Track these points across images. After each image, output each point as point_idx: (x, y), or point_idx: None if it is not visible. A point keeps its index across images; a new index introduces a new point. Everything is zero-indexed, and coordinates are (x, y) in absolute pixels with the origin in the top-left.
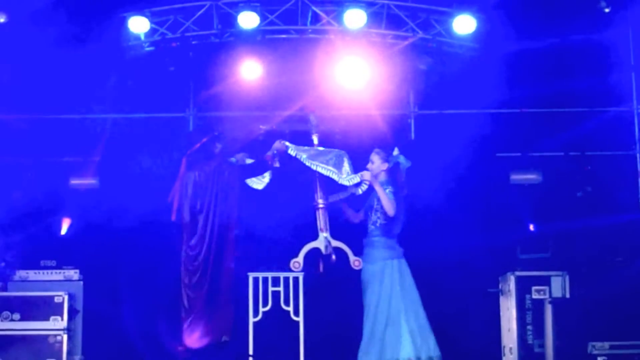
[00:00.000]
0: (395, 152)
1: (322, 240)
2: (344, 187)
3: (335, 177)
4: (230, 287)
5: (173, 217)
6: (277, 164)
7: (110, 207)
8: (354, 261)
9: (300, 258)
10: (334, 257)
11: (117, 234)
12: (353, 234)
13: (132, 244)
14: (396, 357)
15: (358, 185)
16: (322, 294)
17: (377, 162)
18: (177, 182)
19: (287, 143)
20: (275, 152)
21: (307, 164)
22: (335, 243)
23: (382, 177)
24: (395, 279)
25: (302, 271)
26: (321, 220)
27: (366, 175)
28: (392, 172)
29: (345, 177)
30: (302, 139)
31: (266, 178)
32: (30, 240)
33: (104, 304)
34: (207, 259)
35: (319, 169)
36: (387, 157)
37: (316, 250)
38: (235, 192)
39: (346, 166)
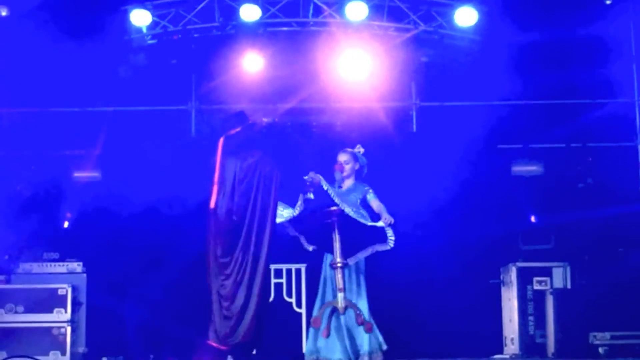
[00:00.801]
0: (360, 149)
1: (340, 301)
2: (364, 243)
3: (362, 220)
4: (265, 289)
5: (212, 205)
6: (311, 195)
7: (113, 200)
8: (360, 322)
9: (319, 316)
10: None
11: (120, 226)
12: None
13: (135, 236)
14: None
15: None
16: None
17: (351, 163)
18: (217, 166)
19: (319, 177)
20: (310, 181)
21: (336, 201)
22: (348, 303)
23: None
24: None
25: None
26: (339, 279)
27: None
28: (360, 172)
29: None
30: (304, 131)
31: (297, 210)
32: (33, 233)
33: (108, 296)
34: (244, 258)
35: (346, 210)
36: (356, 156)
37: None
38: (276, 188)
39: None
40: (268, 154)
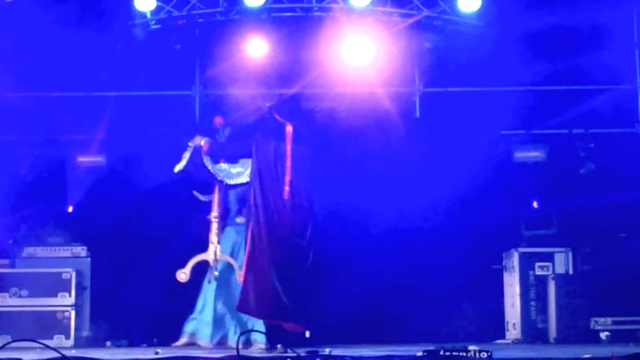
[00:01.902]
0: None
1: (211, 253)
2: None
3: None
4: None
5: (286, 196)
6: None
7: (117, 185)
8: (239, 277)
9: (187, 270)
10: (215, 273)
11: (124, 211)
12: None
13: (139, 220)
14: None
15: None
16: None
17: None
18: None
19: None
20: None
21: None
22: (223, 257)
23: None
24: None
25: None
26: (213, 232)
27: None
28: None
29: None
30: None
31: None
32: (38, 218)
33: (112, 280)
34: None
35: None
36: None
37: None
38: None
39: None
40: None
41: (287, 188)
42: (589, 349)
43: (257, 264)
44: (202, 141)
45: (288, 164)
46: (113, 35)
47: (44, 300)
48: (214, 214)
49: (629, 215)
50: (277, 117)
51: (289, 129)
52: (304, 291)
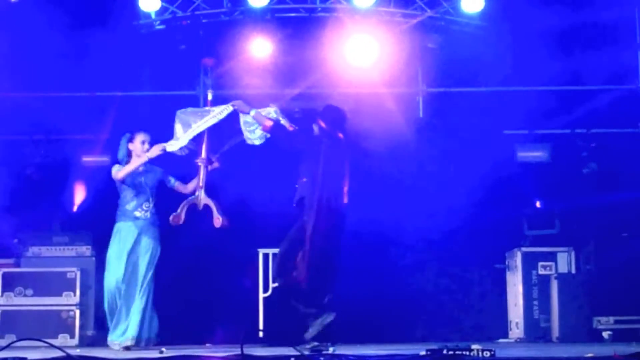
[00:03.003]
0: None
1: (199, 196)
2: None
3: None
4: None
5: (345, 201)
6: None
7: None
8: (216, 218)
9: (181, 212)
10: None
11: None
12: None
13: None
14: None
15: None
16: None
17: None
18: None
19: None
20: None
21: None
22: (205, 200)
23: None
24: None
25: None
26: (200, 176)
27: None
28: None
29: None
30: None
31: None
32: (42, 217)
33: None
34: None
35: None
36: None
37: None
38: None
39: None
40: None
41: (346, 190)
42: (591, 348)
43: (313, 261)
44: (273, 111)
45: (346, 170)
46: (118, 35)
47: (48, 300)
48: (201, 157)
49: (631, 215)
50: (323, 124)
51: (341, 135)
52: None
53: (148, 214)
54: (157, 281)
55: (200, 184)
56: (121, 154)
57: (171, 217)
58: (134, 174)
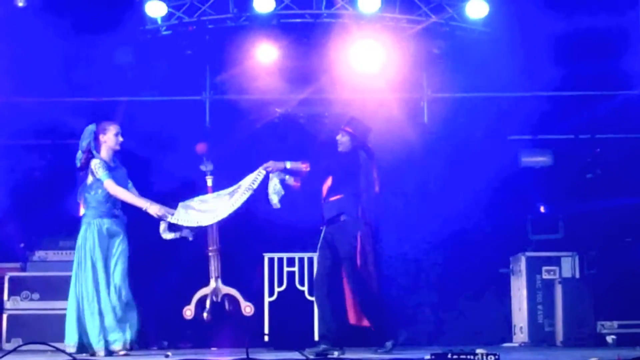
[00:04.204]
0: None
1: (213, 287)
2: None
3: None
4: None
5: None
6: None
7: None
8: (245, 307)
9: (192, 306)
10: (227, 306)
11: (135, 215)
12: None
13: (149, 225)
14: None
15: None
16: None
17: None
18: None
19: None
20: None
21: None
22: (226, 289)
23: None
24: None
25: (193, 319)
26: (212, 266)
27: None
28: None
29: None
30: (317, 122)
31: None
32: (49, 221)
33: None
34: None
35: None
36: None
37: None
38: None
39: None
40: None
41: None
42: (595, 352)
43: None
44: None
45: (376, 176)
46: (124, 41)
47: (55, 304)
48: (212, 247)
49: (635, 220)
50: (350, 130)
51: (370, 145)
52: None
53: (121, 212)
54: (164, 285)
55: (216, 274)
56: (88, 144)
57: (184, 310)
58: (110, 169)
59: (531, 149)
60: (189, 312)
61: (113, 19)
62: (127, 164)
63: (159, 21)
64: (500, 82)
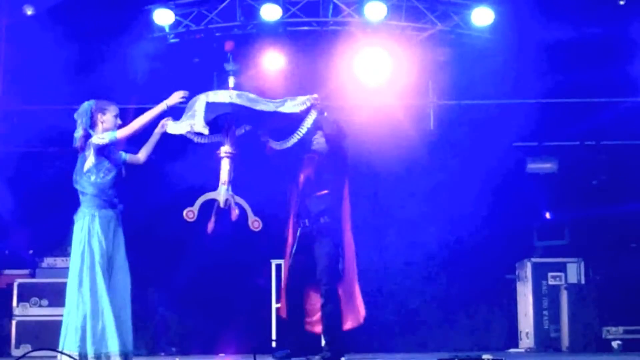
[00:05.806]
0: None
1: (223, 193)
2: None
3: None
4: None
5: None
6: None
7: (134, 195)
8: (253, 222)
9: (195, 208)
10: (236, 211)
11: (142, 221)
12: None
13: (157, 230)
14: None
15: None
16: None
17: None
18: None
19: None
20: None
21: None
22: (237, 199)
23: None
24: None
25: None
26: (224, 170)
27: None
28: None
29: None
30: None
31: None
32: (57, 228)
33: (130, 289)
34: None
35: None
36: None
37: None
38: None
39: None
40: None
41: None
42: (601, 358)
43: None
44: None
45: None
46: (132, 48)
47: (63, 310)
48: (225, 148)
49: None
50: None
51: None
52: None
53: (117, 200)
54: (171, 291)
55: (226, 178)
56: (87, 121)
57: (185, 212)
58: (111, 152)
59: (537, 156)
60: (191, 214)
61: (121, 26)
62: (135, 170)
63: (167, 29)
64: (506, 89)
